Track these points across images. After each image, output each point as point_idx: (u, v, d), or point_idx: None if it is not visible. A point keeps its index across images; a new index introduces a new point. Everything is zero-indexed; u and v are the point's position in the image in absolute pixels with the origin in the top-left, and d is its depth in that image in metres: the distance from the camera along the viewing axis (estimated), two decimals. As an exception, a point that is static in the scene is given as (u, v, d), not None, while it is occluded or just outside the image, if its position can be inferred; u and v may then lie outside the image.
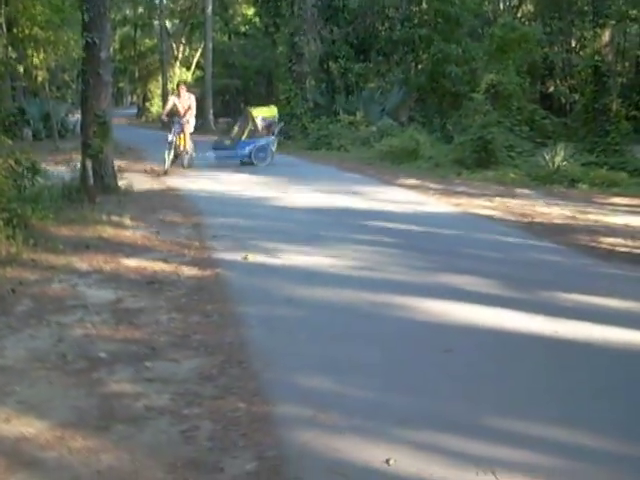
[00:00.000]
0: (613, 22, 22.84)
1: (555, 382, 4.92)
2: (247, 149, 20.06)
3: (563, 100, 31.76)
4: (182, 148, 19.06)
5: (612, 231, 10.69)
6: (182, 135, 18.91)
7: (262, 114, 20.56)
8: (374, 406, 4.50)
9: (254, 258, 8.56)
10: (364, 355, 5.39)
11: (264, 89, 45.67)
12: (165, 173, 17.90)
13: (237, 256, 8.65)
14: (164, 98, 48.77)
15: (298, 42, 29.37)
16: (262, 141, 20.13)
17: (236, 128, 21.21)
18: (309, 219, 11.53)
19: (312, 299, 6.93)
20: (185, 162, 19.18)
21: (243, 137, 20.22)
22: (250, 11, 49.43)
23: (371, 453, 3.88)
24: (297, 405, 4.48)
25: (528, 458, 3.86)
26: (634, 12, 30.13)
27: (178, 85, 21.00)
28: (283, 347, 5.54)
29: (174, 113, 19.60)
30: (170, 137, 18.63)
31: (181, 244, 9.40)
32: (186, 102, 19.03)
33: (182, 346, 5.50)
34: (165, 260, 8.38)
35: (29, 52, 19.11)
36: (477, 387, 4.82)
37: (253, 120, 20.20)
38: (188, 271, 7.91)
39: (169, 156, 18.39)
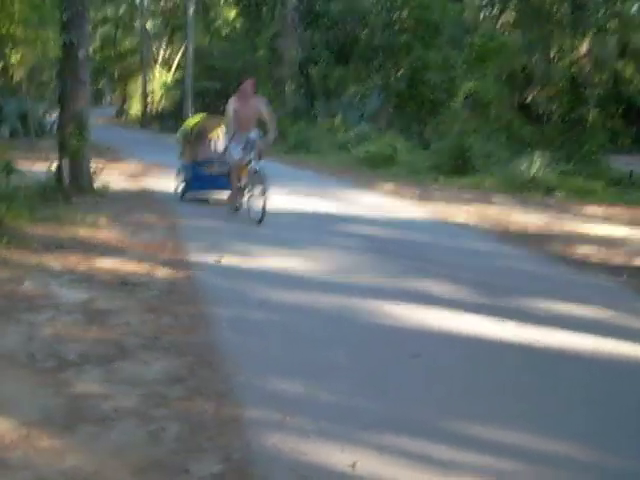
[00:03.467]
0: (591, 33, 23.00)
1: (523, 388, 4.95)
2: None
3: (541, 109, 31.91)
4: (244, 183, 11.89)
5: (587, 240, 10.76)
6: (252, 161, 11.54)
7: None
8: (342, 410, 4.50)
9: (228, 260, 8.55)
10: (333, 359, 5.39)
11: (244, 92, 45.55)
12: (236, 209, 12.03)
13: (211, 258, 8.64)
14: (143, 99, 48.73)
15: (278, 46, 29.42)
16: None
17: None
18: (284, 222, 11.52)
19: (285, 302, 6.92)
20: (259, 211, 11.07)
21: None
22: (232, 14, 49.41)
23: (337, 457, 3.89)
24: (266, 408, 4.47)
25: (492, 463, 3.89)
26: (612, 23, 30.43)
27: (239, 84, 12.19)
28: (254, 350, 5.53)
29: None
30: (237, 155, 11.73)
31: (155, 245, 9.36)
32: (254, 107, 11.90)
33: (152, 347, 5.47)
34: (139, 261, 8.35)
35: (7, 51, 18.98)
36: (444, 392, 4.83)
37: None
38: (161, 272, 7.88)
39: (241, 192, 11.94)
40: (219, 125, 13.55)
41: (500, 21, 39.40)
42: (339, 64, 31.20)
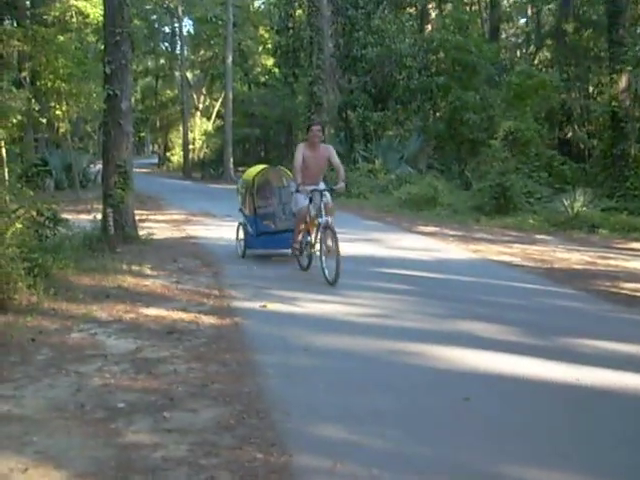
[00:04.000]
0: (630, 68, 22.90)
1: (577, 431, 4.87)
2: None
3: (581, 146, 31.76)
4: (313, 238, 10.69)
5: (633, 276, 10.63)
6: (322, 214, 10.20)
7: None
8: (393, 456, 4.47)
9: (272, 306, 8.58)
10: (382, 404, 5.36)
11: (284, 138, 46.03)
12: (302, 266, 11.04)
13: (256, 304, 8.68)
14: (185, 147, 49.34)
15: (317, 92, 29.68)
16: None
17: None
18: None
19: (330, 347, 6.91)
20: (332, 270, 9.84)
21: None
22: (270, 62, 50.13)
23: (389, 503, 3.85)
24: (316, 455, 4.46)
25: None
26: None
27: (309, 127, 11.09)
28: (301, 396, 5.52)
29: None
30: (303, 203, 10.58)
31: (200, 293, 9.44)
32: (323, 156, 10.84)
33: (200, 396, 5.50)
34: (184, 309, 8.42)
35: (52, 104, 19.38)
36: (496, 437, 4.78)
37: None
38: (207, 320, 7.93)
39: (308, 248, 10.90)
40: (283, 177, 12.66)
41: (537, 59, 39.48)
42: (377, 107, 31.34)
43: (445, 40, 30.22)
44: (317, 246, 10.46)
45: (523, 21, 50.03)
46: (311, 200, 10.47)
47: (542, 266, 11.67)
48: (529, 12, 45.81)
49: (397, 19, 33.03)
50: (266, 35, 50.63)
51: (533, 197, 20.94)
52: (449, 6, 40.40)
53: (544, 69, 35.17)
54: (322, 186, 10.81)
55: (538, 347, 6.76)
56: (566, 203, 17.85)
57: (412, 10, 39.18)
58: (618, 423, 4.98)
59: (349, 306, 8.57)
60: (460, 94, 28.44)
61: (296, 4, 37.04)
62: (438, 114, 32.92)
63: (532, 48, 41.93)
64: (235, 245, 12.95)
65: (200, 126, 53.19)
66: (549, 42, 39.23)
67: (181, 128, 52.28)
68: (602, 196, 20.90)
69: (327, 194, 10.44)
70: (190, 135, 49.97)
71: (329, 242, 9.99)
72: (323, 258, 10.13)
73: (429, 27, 37.63)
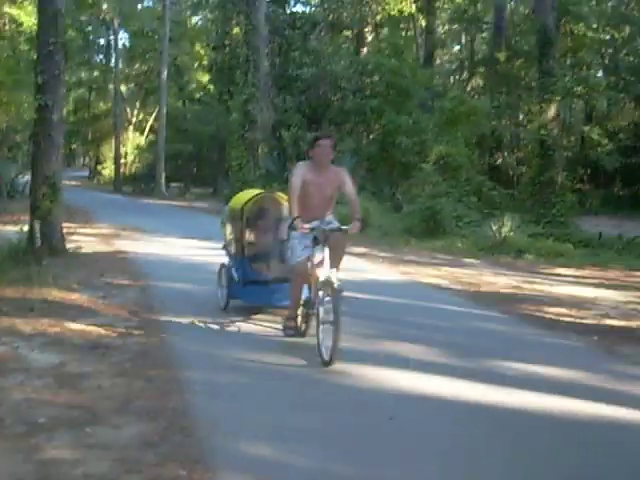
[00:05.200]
0: (558, 98, 23.48)
1: (493, 450, 4.94)
2: None
3: (511, 172, 32.40)
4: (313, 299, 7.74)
5: (557, 301, 10.84)
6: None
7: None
8: (316, 474, 4.47)
9: (201, 323, 8.53)
10: (306, 423, 5.37)
11: (216, 155, 45.91)
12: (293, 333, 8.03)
13: (184, 320, 8.62)
14: (116, 161, 48.86)
15: (251, 110, 29.65)
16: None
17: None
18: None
19: (257, 365, 6.89)
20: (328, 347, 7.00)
21: None
22: (205, 78, 50.03)
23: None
24: (239, 473, 4.44)
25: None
26: (579, 89, 31.11)
27: (315, 141, 7.69)
28: (227, 414, 5.49)
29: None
30: (302, 254, 7.70)
31: (127, 308, 9.32)
32: (333, 182, 7.80)
33: (124, 411, 5.43)
34: (110, 324, 8.31)
35: (-20, 113, 19.06)
36: (418, 456, 4.82)
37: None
38: (133, 336, 7.83)
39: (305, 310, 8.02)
40: (282, 205, 9.15)
41: (469, 85, 40.20)
42: (312, 127, 31.48)
43: (380, 64, 30.61)
44: (316, 308, 7.44)
45: (457, 48, 50.96)
46: (316, 241, 7.53)
47: (469, 289, 11.83)
48: (463, 40, 46.70)
49: (333, 41, 33.34)
50: (202, 52, 50.58)
51: (462, 221, 21.25)
52: (385, 30, 40.93)
53: (476, 96, 35.85)
54: (329, 222, 7.74)
55: (462, 368, 6.85)
56: (494, 228, 18.14)
57: (348, 33, 39.59)
58: (535, 442, 5.07)
59: (280, 324, 8.55)
60: (393, 117, 28.77)
61: (233, 22, 37.10)
62: (371, 136, 33.19)
63: (465, 75, 42.71)
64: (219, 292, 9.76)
65: (133, 140, 52.85)
66: (482, 70, 40.01)
67: (113, 141, 51.85)
68: (529, 222, 21.34)
69: (336, 235, 7.54)
70: (122, 149, 49.59)
71: (329, 306, 7.11)
72: (320, 328, 7.18)
73: (365, 50, 38.01)
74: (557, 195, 23.19)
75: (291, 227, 7.42)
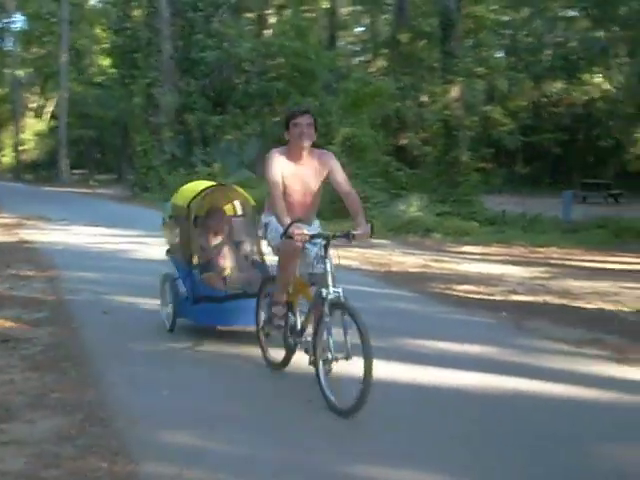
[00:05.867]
0: (461, 78, 23.80)
1: (415, 427, 5.00)
2: None
3: (416, 152, 32.75)
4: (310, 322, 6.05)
5: (465, 278, 11.05)
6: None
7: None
8: (240, 460, 4.44)
9: (112, 312, 8.38)
10: (231, 410, 5.33)
11: (120, 140, 45.19)
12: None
13: (95, 310, 8.45)
14: (16, 148, 47.62)
15: (154, 94, 29.30)
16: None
17: None
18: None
19: (174, 354, 6.81)
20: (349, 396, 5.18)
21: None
22: (106, 62, 49.05)
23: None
24: (162, 462, 4.37)
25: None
26: (480, 69, 31.66)
27: (291, 117, 5.96)
28: (147, 403, 5.40)
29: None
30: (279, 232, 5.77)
31: (36, 299, 9.08)
32: (317, 172, 6.12)
33: (39, 406, 5.29)
34: (19, 316, 8.09)
35: None
36: (341, 437, 4.84)
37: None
38: (44, 327, 7.64)
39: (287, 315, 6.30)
40: (238, 200, 8.00)
41: (374, 67, 40.47)
42: (216, 111, 31.27)
43: (284, 46, 30.49)
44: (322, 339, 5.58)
45: (360, 30, 51.20)
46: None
47: (380, 269, 11.95)
48: (366, 21, 46.93)
49: (236, 23, 33.09)
50: (103, 34, 49.56)
51: (370, 202, 21.38)
52: (288, 12, 40.81)
53: (380, 77, 36.08)
54: (317, 228, 6.36)
55: (375, 348, 6.86)
56: (402, 208, 18.35)
57: (251, 15, 39.34)
58: (451, 418, 5.16)
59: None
60: (299, 99, 28.74)
61: (134, 4, 36.48)
62: (277, 119, 33.13)
63: (368, 56, 42.96)
64: (160, 312, 7.93)
65: (33, 127, 51.51)
66: (385, 51, 40.30)
67: (12, 128, 50.46)
68: (436, 201, 21.59)
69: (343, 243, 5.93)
70: (22, 136, 48.30)
71: (333, 340, 5.41)
72: (322, 370, 5.50)
73: (268, 32, 37.87)
74: (462, 174, 23.51)
75: (285, 234, 5.46)
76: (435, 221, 18.30)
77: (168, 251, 7.99)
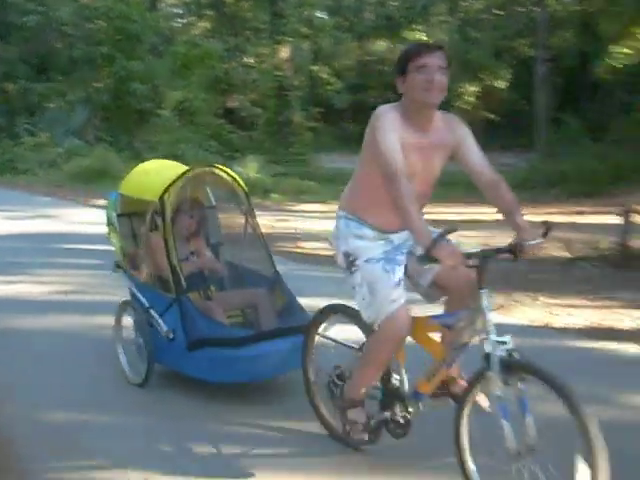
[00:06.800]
0: (290, 39, 24.01)
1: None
2: None
3: (246, 114, 32.78)
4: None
5: (311, 236, 11.27)
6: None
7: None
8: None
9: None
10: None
11: None
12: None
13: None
14: None
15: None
16: None
17: None
18: (6, 247, 10.97)
19: (27, 328, 6.65)
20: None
21: None
22: None
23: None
24: (41, 441, 4.31)
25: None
26: (306, 30, 32.00)
27: (409, 60, 3.50)
28: (22, 382, 5.27)
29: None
30: (393, 296, 3.59)
31: None
32: (445, 143, 3.69)
33: None
34: None
35: None
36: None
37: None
38: None
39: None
40: (207, 185, 5.95)
41: (197, 30, 39.99)
42: (40, 78, 30.13)
43: (108, 8, 29.63)
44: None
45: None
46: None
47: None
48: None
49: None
50: None
51: (207, 166, 21.34)
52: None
53: (205, 39, 35.75)
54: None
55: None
56: (239, 170, 18.40)
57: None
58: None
59: (41, 285, 8.27)
60: (125, 64, 28.13)
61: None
62: (103, 85, 32.28)
63: (192, 18, 42.37)
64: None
65: None
66: (209, 12, 39.91)
67: None
68: (271, 162, 21.79)
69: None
70: None
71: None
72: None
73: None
74: (294, 134, 23.83)
75: (426, 259, 3.25)
76: (273, 181, 18.50)
77: (118, 266, 5.56)
